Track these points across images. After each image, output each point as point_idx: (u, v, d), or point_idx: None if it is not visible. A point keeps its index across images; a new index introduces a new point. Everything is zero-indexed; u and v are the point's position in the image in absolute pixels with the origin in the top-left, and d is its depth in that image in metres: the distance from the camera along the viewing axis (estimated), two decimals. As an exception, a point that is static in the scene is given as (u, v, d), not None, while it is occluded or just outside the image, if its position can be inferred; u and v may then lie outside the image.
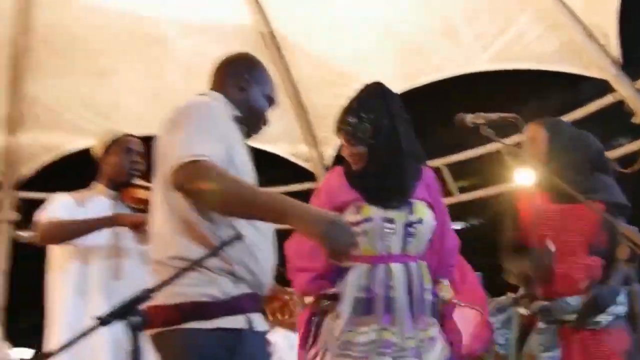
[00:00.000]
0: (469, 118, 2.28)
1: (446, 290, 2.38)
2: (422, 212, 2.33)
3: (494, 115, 2.30)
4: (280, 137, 6.47)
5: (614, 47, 4.92)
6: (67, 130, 6.37)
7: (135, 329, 1.39)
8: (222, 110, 1.88)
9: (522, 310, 2.70)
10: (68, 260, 2.78)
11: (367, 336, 2.19)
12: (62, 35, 5.77)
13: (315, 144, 6.57)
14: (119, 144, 2.96)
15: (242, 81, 2.04)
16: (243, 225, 1.72)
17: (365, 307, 2.22)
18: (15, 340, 6.64)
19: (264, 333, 1.77)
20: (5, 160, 6.36)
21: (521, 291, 2.78)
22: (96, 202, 2.86)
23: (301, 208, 1.67)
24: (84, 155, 6.65)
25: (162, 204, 1.76)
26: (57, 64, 5.94)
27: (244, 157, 1.84)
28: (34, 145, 6.42)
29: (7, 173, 6.38)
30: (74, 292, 2.74)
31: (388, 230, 2.27)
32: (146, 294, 1.45)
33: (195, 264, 1.57)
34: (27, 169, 6.50)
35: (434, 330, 2.29)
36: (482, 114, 2.28)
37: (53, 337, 2.71)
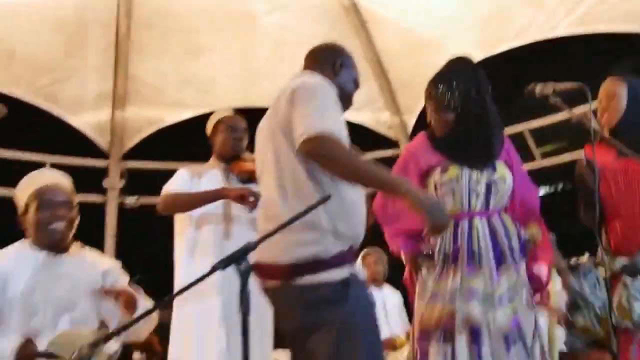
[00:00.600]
0: (538, 88, 2.44)
1: (536, 232, 2.57)
2: (503, 172, 2.56)
3: (562, 85, 2.45)
4: (363, 106, 6.66)
5: None
6: (167, 105, 6.87)
7: (245, 274, 1.62)
8: (332, 90, 2.15)
9: (603, 271, 2.77)
10: (185, 226, 3.19)
11: (453, 284, 2.44)
12: (161, 18, 6.20)
13: (398, 112, 6.73)
14: (223, 123, 3.32)
15: (335, 66, 2.34)
16: (344, 187, 2.01)
17: (452, 258, 2.47)
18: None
19: (364, 280, 2.05)
20: (112, 133, 6.93)
21: (599, 251, 2.84)
22: (210, 174, 3.23)
23: (412, 186, 1.97)
24: (182, 127, 7.21)
25: (274, 169, 2.04)
26: (157, 44, 6.40)
27: (345, 132, 2.14)
28: (138, 119, 6.97)
29: (114, 144, 6.97)
30: (187, 254, 3.14)
31: (472, 190, 2.50)
32: (254, 245, 1.71)
33: (294, 220, 1.78)
34: (132, 141, 7.06)
35: (523, 276, 2.51)
36: (551, 83, 2.43)
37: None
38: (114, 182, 6.99)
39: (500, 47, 5.93)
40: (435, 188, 2.55)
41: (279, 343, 3.05)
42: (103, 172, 7.00)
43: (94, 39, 6.22)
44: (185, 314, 3.06)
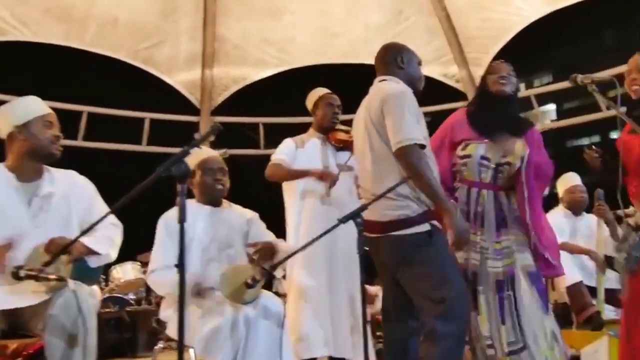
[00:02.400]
0: (580, 78, 2.82)
1: None
2: (514, 156, 3.03)
3: (601, 75, 2.90)
4: (432, 60, 6.99)
5: None
6: (251, 64, 7.43)
7: (359, 226, 2.41)
8: (410, 94, 2.73)
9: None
10: (291, 196, 3.86)
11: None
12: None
13: (465, 65, 7.01)
14: (322, 100, 3.92)
15: (398, 62, 2.85)
16: None
17: (464, 217, 3.00)
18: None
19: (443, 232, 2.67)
20: (202, 90, 7.56)
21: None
22: (311, 143, 3.88)
23: (452, 207, 2.66)
24: (265, 84, 7.78)
25: (370, 155, 2.71)
26: (241, 7, 6.96)
27: (425, 128, 2.74)
28: (225, 77, 7.57)
29: (203, 101, 7.60)
30: (296, 220, 3.80)
31: (483, 167, 3.03)
32: (364, 208, 2.52)
33: (389, 191, 2.55)
34: (220, 97, 7.67)
35: (522, 239, 3.00)
36: (591, 75, 2.81)
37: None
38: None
39: (567, 1, 6.09)
40: (458, 158, 3.11)
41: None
42: (195, 126, 7.71)
43: (185, 4, 6.83)
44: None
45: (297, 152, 3.81)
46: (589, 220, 4.47)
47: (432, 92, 7.23)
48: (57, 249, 2.24)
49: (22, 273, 2.12)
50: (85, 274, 2.46)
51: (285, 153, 3.82)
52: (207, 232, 3.07)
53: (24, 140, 2.55)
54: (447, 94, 7.28)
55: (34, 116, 2.57)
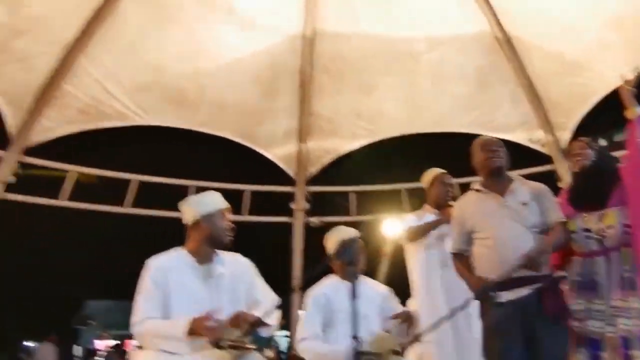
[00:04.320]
0: None
1: None
2: (612, 219, 3.20)
3: None
4: (517, 126, 7.26)
5: None
6: (342, 136, 7.99)
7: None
8: None
9: None
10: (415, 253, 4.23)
11: (581, 305, 3.18)
12: (337, 62, 7.37)
13: (551, 130, 7.20)
14: (437, 179, 4.26)
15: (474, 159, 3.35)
16: None
17: (577, 287, 3.21)
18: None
19: None
20: (298, 162, 8.16)
21: None
22: (426, 218, 4.19)
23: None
24: (354, 155, 8.27)
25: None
26: (333, 85, 7.56)
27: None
28: (318, 150, 8.15)
29: (299, 172, 8.18)
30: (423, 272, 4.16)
31: (588, 239, 3.22)
32: None
33: None
34: (314, 169, 8.24)
35: (633, 300, 3.09)
36: None
37: (415, 303, 4.11)
38: (300, 204, 8.21)
39: (651, 67, 6.21)
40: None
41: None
42: (291, 197, 8.25)
43: (283, 86, 7.53)
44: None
45: (417, 224, 4.16)
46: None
47: (518, 156, 7.44)
48: (245, 321, 2.68)
49: (225, 344, 2.56)
50: (260, 342, 2.85)
51: (411, 223, 4.20)
52: (344, 306, 3.31)
53: (205, 229, 2.96)
54: (533, 157, 7.44)
55: (215, 209, 3.01)
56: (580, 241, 3.24)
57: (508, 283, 2.94)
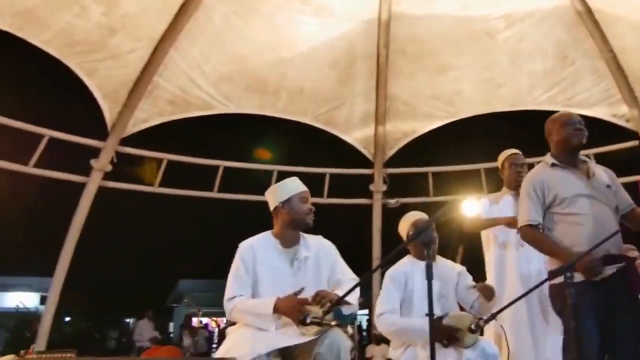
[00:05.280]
0: None
1: None
2: None
3: None
4: (599, 101, 7.06)
5: None
6: (419, 118, 8.05)
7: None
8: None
9: None
10: (489, 239, 4.26)
11: None
12: (412, 45, 7.41)
13: (636, 104, 6.96)
14: (508, 160, 4.25)
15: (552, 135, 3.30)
16: None
17: None
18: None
19: None
20: (376, 145, 8.30)
21: None
22: (504, 200, 4.20)
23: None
24: (431, 135, 8.28)
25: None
26: (409, 67, 7.62)
27: None
28: (395, 132, 8.26)
29: (377, 154, 8.33)
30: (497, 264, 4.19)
31: None
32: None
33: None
34: (392, 151, 8.36)
35: None
36: None
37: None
38: (378, 186, 8.35)
39: None
40: None
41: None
42: (369, 179, 8.41)
43: (360, 70, 7.66)
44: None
45: (490, 208, 4.19)
46: None
47: (599, 132, 7.18)
48: (327, 299, 2.82)
49: (309, 320, 2.74)
50: (342, 319, 3.00)
51: (480, 209, 4.24)
52: (421, 285, 3.50)
53: (286, 213, 3.11)
54: (616, 133, 7.20)
55: (293, 193, 3.14)
56: None
57: (609, 259, 2.93)
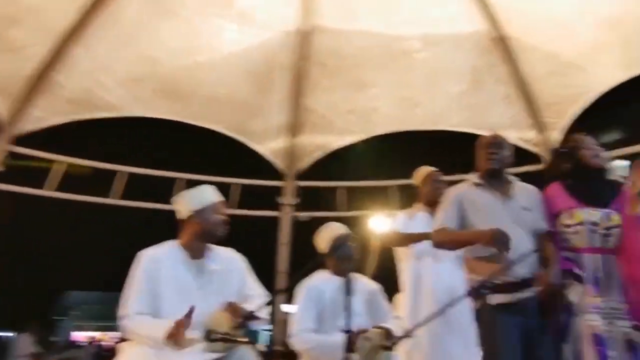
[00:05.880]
0: None
1: None
2: (618, 220, 3.22)
3: None
4: (509, 126, 7.34)
5: None
6: (335, 132, 8.07)
7: None
8: None
9: None
10: (405, 254, 4.29)
11: (597, 302, 3.13)
12: (333, 58, 7.43)
13: (543, 129, 7.35)
14: (429, 177, 4.33)
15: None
16: None
17: (594, 282, 3.16)
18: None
19: None
20: (289, 157, 8.23)
21: None
22: (420, 216, 4.26)
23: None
24: (346, 150, 8.34)
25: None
26: (328, 81, 7.63)
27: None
28: (309, 145, 8.22)
29: (290, 167, 8.26)
30: (412, 279, 4.20)
31: (594, 233, 3.17)
32: None
33: None
34: (304, 163, 8.32)
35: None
36: None
37: (403, 303, 4.20)
38: (288, 199, 8.28)
39: (640, 68, 6.39)
40: (567, 227, 3.25)
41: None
42: (279, 191, 8.30)
43: (277, 81, 7.58)
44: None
45: (407, 223, 4.25)
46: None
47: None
48: (238, 313, 2.74)
49: (216, 336, 2.61)
50: (250, 335, 2.95)
51: (398, 225, 4.27)
52: (338, 300, 3.48)
53: (198, 224, 3.02)
54: (524, 157, 7.55)
55: (208, 203, 3.06)
56: (584, 235, 3.22)
57: (510, 285, 3.01)
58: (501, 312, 3.00)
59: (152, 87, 7.18)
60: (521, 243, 3.09)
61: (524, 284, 3.04)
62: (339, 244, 3.61)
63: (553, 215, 3.31)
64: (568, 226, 3.23)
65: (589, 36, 6.49)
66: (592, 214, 3.24)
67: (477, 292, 3.07)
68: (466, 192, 3.34)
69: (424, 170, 4.40)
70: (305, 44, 7.29)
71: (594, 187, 3.34)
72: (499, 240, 2.99)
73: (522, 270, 3.03)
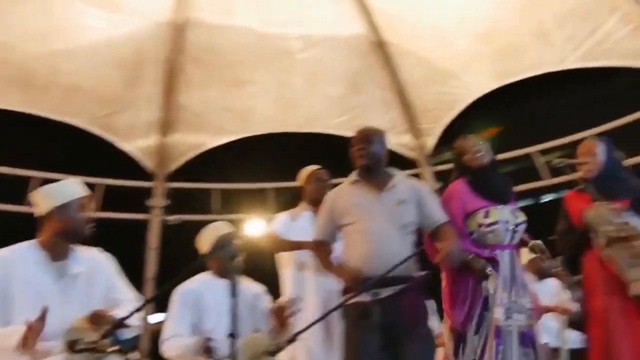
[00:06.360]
0: (555, 162, 3.58)
1: None
2: (523, 216, 3.49)
3: (572, 160, 3.60)
4: (386, 130, 7.47)
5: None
6: (210, 131, 7.76)
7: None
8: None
9: None
10: (288, 260, 4.18)
11: (505, 298, 3.29)
12: (209, 54, 7.14)
13: (418, 135, 7.58)
14: (313, 175, 4.28)
15: None
16: None
17: (505, 278, 3.32)
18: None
19: None
20: (159, 157, 7.80)
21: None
22: (304, 216, 4.18)
23: None
24: (222, 150, 8.07)
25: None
26: (204, 77, 7.31)
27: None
28: (182, 144, 7.84)
29: (160, 167, 7.83)
30: (294, 284, 4.11)
31: (506, 230, 3.39)
32: None
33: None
34: (176, 164, 7.91)
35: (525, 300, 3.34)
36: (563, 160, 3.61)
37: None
38: (158, 201, 7.86)
39: (514, 78, 6.77)
40: (484, 226, 3.41)
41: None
42: (148, 192, 7.86)
43: (148, 74, 7.15)
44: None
45: (289, 224, 4.16)
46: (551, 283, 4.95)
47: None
48: (102, 321, 2.48)
49: (80, 346, 2.36)
50: (121, 344, 2.65)
51: (279, 226, 4.17)
52: (222, 303, 3.27)
53: (60, 221, 2.77)
54: (399, 161, 7.74)
55: (72, 198, 2.80)
56: (499, 232, 3.37)
57: (382, 282, 2.98)
58: (361, 313, 3.02)
59: (1, 75, 6.47)
60: (389, 239, 3.11)
61: (389, 282, 3.02)
62: (222, 243, 3.46)
63: (464, 214, 3.41)
64: (484, 225, 3.36)
65: (464, 46, 6.76)
66: (504, 212, 3.41)
67: (343, 293, 3.12)
68: (340, 193, 3.35)
69: (308, 169, 4.36)
70: (179, 36, 6.94)
71: (494, 185, 3.48)
72: (355, 283, 3.01)
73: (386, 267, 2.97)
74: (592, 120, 6.50)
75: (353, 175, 3.37)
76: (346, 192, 3.33)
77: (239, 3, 6.78)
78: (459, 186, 3.56)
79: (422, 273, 3.23)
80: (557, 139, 6.96)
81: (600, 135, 4.08)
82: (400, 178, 3.35)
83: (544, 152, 7.05)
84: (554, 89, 8.25)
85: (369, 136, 3.36)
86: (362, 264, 3.07)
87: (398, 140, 7.63)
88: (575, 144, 3.84)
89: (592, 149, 3.61)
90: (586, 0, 5.88)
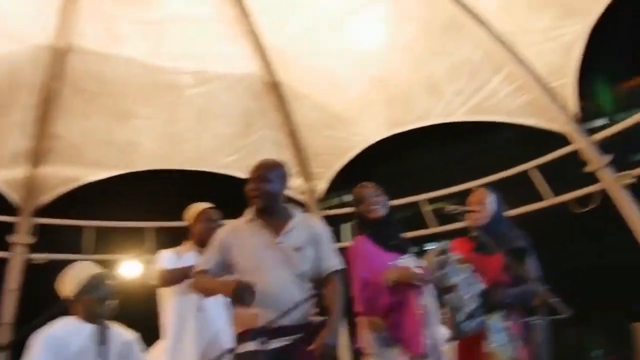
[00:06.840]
0: (448, 208, 3.70)
1: None
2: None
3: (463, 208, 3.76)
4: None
5: (572, 106, 5.87)
6: (87, 164, 7.30)
7: None
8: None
9: None
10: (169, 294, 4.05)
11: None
12: (91, 83, 6.77)
13: (310, 178, 7.61)
14: (203, 214, 4.16)
15: None
16: None
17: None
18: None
19: None
20: (27, 190, 7.21)
21: None
22: (189, 255, 4.06)
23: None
24: (98, 185, 7.62)
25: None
26: (85, 106, 6.92)
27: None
28: (54, 177, 7.30)
29: (27, 201, 7.23)
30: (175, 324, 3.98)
31: None
32: None
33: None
34: (46, 198, 7.35)
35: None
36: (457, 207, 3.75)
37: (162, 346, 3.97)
38: (22, 237, 7.23)
39: (405, 127, 6.97)
40: None
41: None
42: (11, 228, 7.22)
43: (21, 100, 6.64)
44: None
45: (176, 262, 4.02)
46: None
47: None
48: None
49: None
50: None
51: (167, 263, 4.02)
52: (88, 350, 3.15)
53: None
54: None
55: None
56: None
57: (275, 331, 2.88)
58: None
59: None
60: (286, 290, 3.00)
61: (282, 331, 2.92)
62: (94, 284, 3.26)
63: (371, 272, 3.51)
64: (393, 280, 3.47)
65: (358, 92, 6.90)
66: (409, 262, 3.57)
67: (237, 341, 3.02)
68: (235, 231, 3.20)
69: (197, 207, 4.21)
70: (58, 62, 6.53)
71: (393, 238, 3.61)
72: (237, 294, 2.85)
73: (281, 318, 2.88)
74: (475, 172, 6.82)
75: (249, 214, 3.23)
76: (241, 231, 3.18)
77: (128, 33, 6.52)
78: (362, 244, 3.63)
79: (319, 319, 3.13)
80: (443, 189, 7.23)
81: (483, 186, 4.25)
82: (299, 220, 3.25)
83: (430, 200, 7.29)
84: (444, 140, 8.65)
85: (266, 174, 3.25)
86: (258, 313, 2.94)
87: (289, 183, 7.58)
88: (463, 193, 4.02)
89: (483, 199, 3.77)
90: (475, 58, 6.17)
